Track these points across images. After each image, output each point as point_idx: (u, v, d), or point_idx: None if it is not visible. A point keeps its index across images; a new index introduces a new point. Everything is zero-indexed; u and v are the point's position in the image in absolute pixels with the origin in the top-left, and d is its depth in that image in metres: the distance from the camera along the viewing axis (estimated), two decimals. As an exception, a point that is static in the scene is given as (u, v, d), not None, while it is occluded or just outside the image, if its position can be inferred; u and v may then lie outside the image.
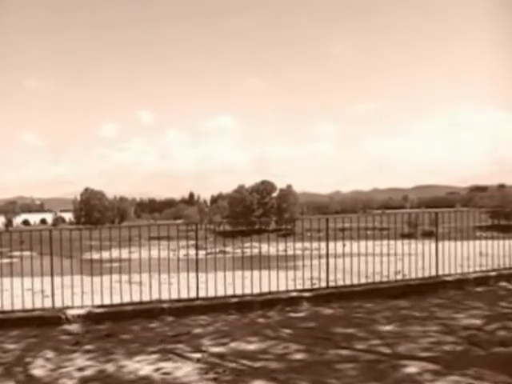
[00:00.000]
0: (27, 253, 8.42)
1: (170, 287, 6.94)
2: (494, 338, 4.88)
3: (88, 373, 4.44)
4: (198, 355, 4.77)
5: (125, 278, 8.10)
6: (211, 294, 7.05)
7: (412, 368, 4.16)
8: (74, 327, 6.05)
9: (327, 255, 7.80)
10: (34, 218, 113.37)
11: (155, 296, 7.00)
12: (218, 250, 9.94)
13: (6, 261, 9.48)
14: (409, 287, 7.42)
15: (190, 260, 7.52)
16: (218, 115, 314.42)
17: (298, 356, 4.64)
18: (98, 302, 6.82)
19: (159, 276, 7.61)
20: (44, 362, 4.76)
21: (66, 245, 7.70)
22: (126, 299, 6.92)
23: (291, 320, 6.08)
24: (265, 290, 7.21)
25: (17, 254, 8.27)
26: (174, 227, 8.79)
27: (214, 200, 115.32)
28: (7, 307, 6.73)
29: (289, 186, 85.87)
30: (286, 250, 9.13)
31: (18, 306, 6.74)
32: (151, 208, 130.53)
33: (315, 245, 9.25)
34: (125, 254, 8.66)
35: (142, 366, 4.55)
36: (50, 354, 4.99)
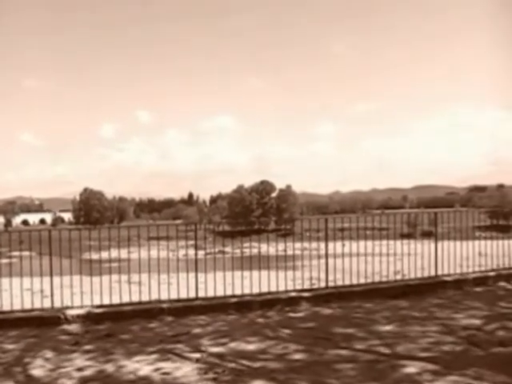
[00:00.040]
0: (26, 253, 8.38)
1: (169, 287, 6.93)
2: (494, 338, 4.89)
3: (87, 373, 4.44)
4: (198, 355, 4.77)
5: (124, 278, 8.08)
6: (210, 294, 7.05)
7: (411, 368, 4.16)
8: (73, 327, 6.04)
9: (326, 255, 7.81)
10: (34, 218, 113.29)
11: (154, 296, 6.99)
12: (217, 250, 9.93)
13: (5, 261, 9.49)
14: (408, 287, 7.43)
15: (189, 260, 7.50)
16: (218, 115, 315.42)
17: (298, 356, 4.64)
18: (97, 302, 6.82)
19: (158, 276, 7.60)
20: (43, 362, 4.76)
21: (65, 245, 7.68)
22: (126, 299, 6.91)
23: (290, 320, 6.08)
24: (264, 290, 7.21)
25: (16, 254, 8.27)
26: (173, 227, 8.79)
27: (214, 200, 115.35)
28: (6, 307, 6.73)
29: (288, 186, 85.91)
30: (285, 250, 9.13)
31: (17, 306, 6.73)
32: (150, 208, 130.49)
33: (314, 245, 9.23)
34: (124, 254, 8.64)
35: (142, 366, 4.55)
36: (49, 354, 4.99)
